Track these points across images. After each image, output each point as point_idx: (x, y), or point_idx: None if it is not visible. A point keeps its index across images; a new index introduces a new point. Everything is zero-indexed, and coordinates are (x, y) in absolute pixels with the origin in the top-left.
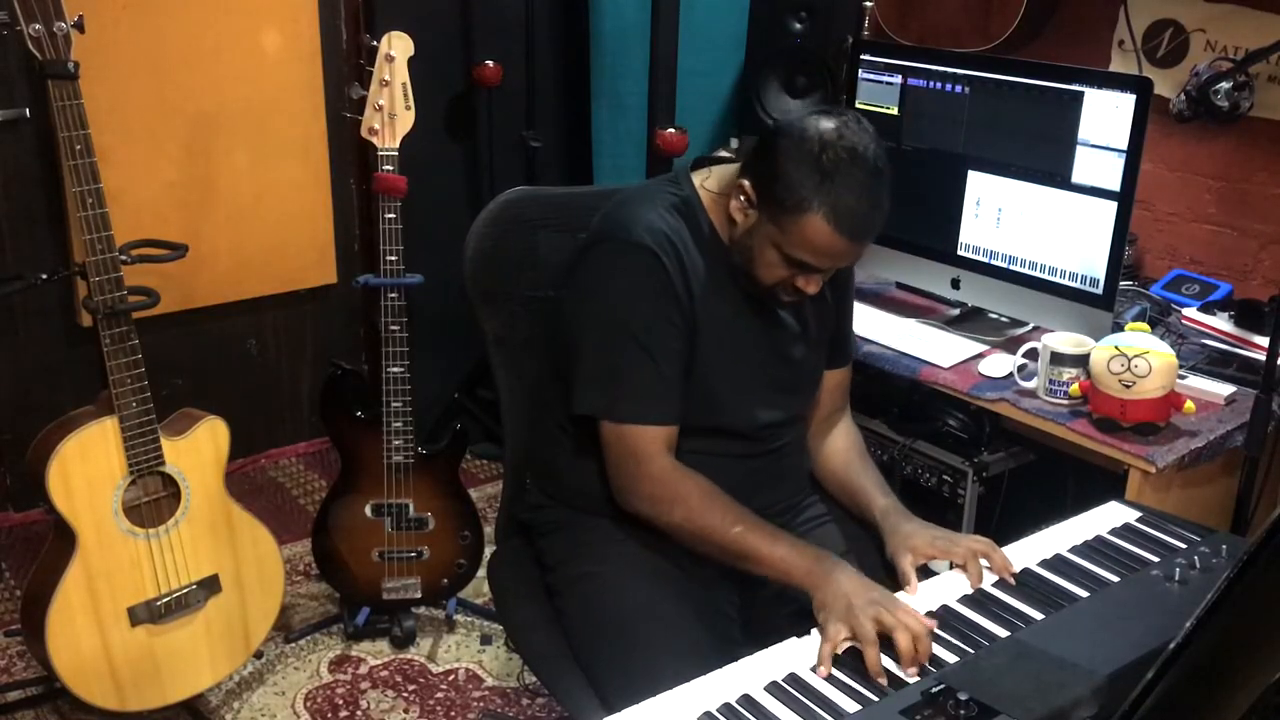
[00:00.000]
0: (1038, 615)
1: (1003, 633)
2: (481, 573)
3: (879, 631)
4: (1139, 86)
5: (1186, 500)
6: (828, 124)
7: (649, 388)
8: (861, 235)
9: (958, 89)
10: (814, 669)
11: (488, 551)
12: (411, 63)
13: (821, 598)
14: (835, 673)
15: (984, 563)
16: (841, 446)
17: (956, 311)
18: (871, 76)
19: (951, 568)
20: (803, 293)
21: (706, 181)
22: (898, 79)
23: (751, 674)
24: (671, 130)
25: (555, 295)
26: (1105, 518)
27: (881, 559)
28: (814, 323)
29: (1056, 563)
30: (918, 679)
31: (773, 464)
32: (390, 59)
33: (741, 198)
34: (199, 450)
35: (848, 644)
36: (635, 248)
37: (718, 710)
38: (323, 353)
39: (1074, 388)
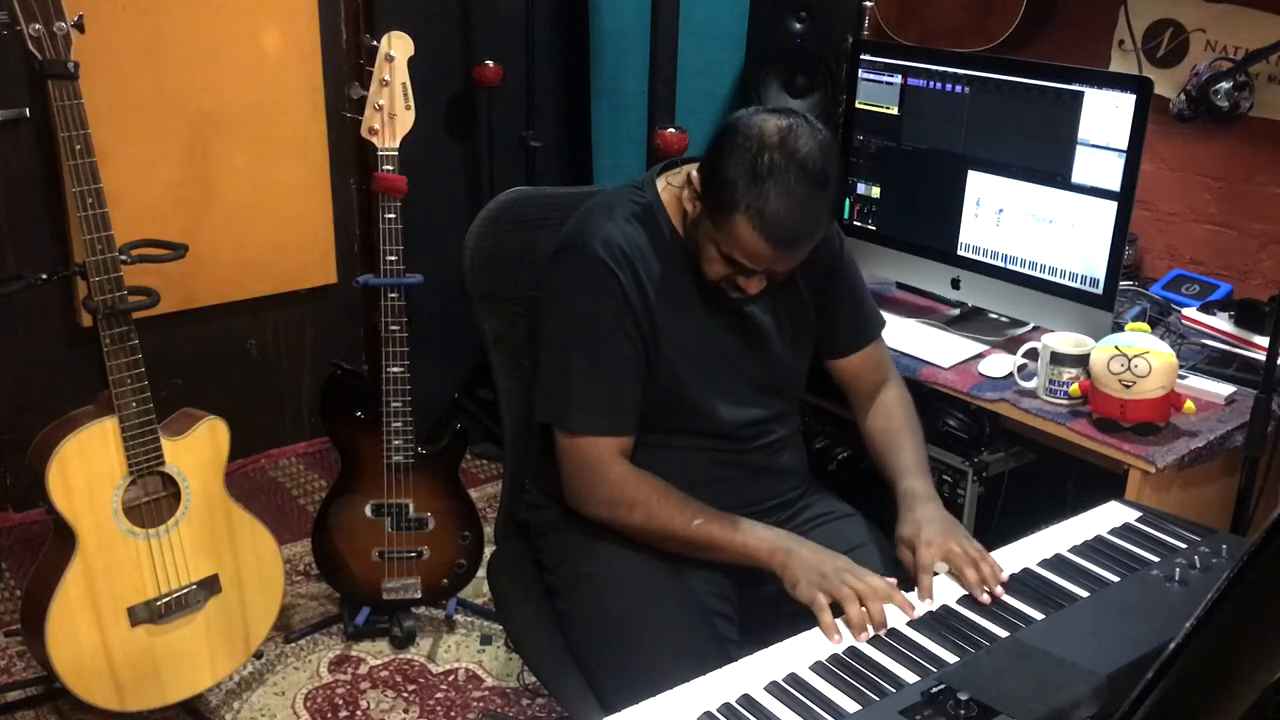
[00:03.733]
0: (1038, 615)
1: (1003, 633)
2: (481, 573)
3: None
4: (1139, 86)
5: (1186, 500)
6: (773, 126)
7: (598, 399)
8: (787, 244)
9: (958, 89)
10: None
11: (488, 551)
12: (411, 63)
13: (791, 575)
14: (835, 671)
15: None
16: (881, 425)
17: (956, 311)
18: (871, 76)
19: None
20: (745, 292)
21: (673, 179)
22: (898, 79)
23: (751, 674)
24: (671, 130)
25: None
26: (1105, 518)
27: (882, 562)
28: (790, 320)
29: (1056, 563)
30: (918, 679)
31: (763, 460)
32: (390, 59)
33: (690, 188)
34: (199, 450)
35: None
36: (588, 260)
37: (718, 710)
38: (323, 353)
39: (1074, 388)
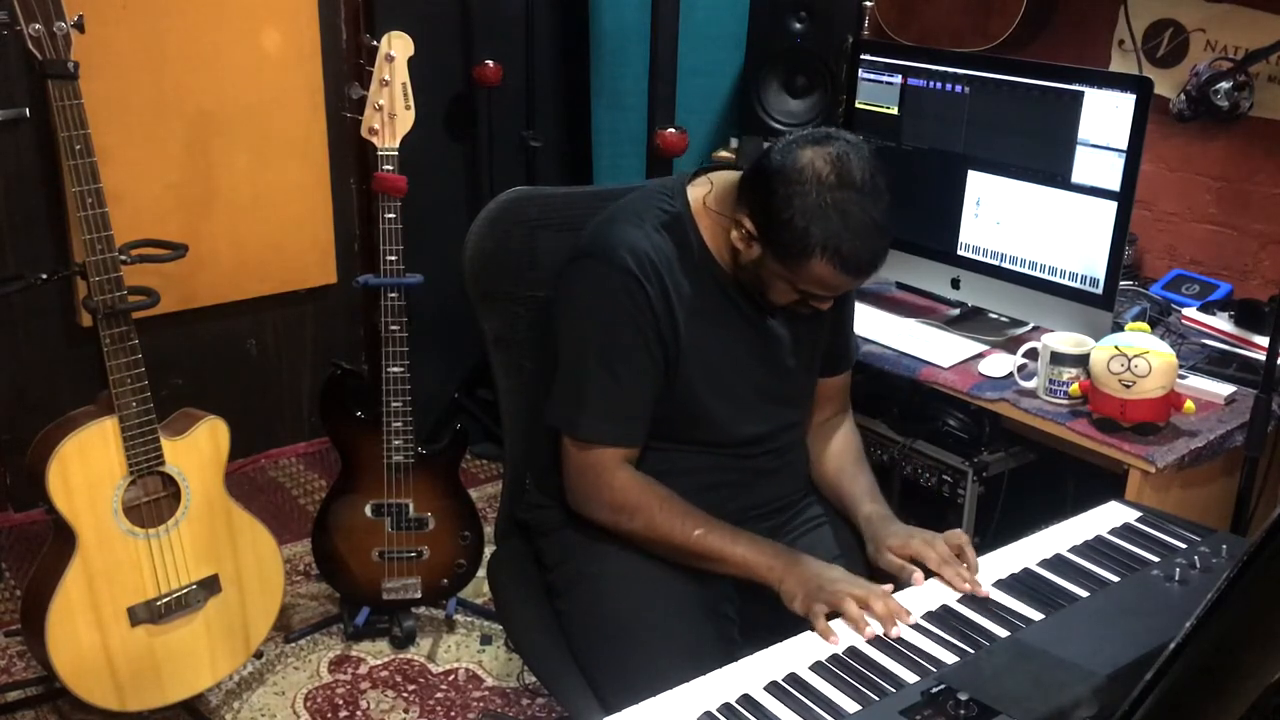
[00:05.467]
0: (1038, 615)
1: (1003, 633)
2: (481, 573)
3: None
4: (1139, 86)
5: (1186, 500)
6: (822, 162)
7: (610, 409)
8: (868, 270)
9: (958, 89)
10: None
11: (488, 551)
12: (411, 63)
13: (789, 588)
14: (835, 671)
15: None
16: (836, 451)
17: (956, 311)
18: (871, 76)
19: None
20: (817, 309)
21: (706, 197)
22: (898, 79)
23: (751, 674)
24: (671, 130)
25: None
26: (1105, 518)
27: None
28: (806, 334)
29: (1056, 563)
30: (918, 679)
31: (768, 464)
32: (390, 59)
33: (743, 231)
34: (199, 450)
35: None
36: (615, 269)
37: (718, 710)
38: (323, 353)
39: (1074, 388)
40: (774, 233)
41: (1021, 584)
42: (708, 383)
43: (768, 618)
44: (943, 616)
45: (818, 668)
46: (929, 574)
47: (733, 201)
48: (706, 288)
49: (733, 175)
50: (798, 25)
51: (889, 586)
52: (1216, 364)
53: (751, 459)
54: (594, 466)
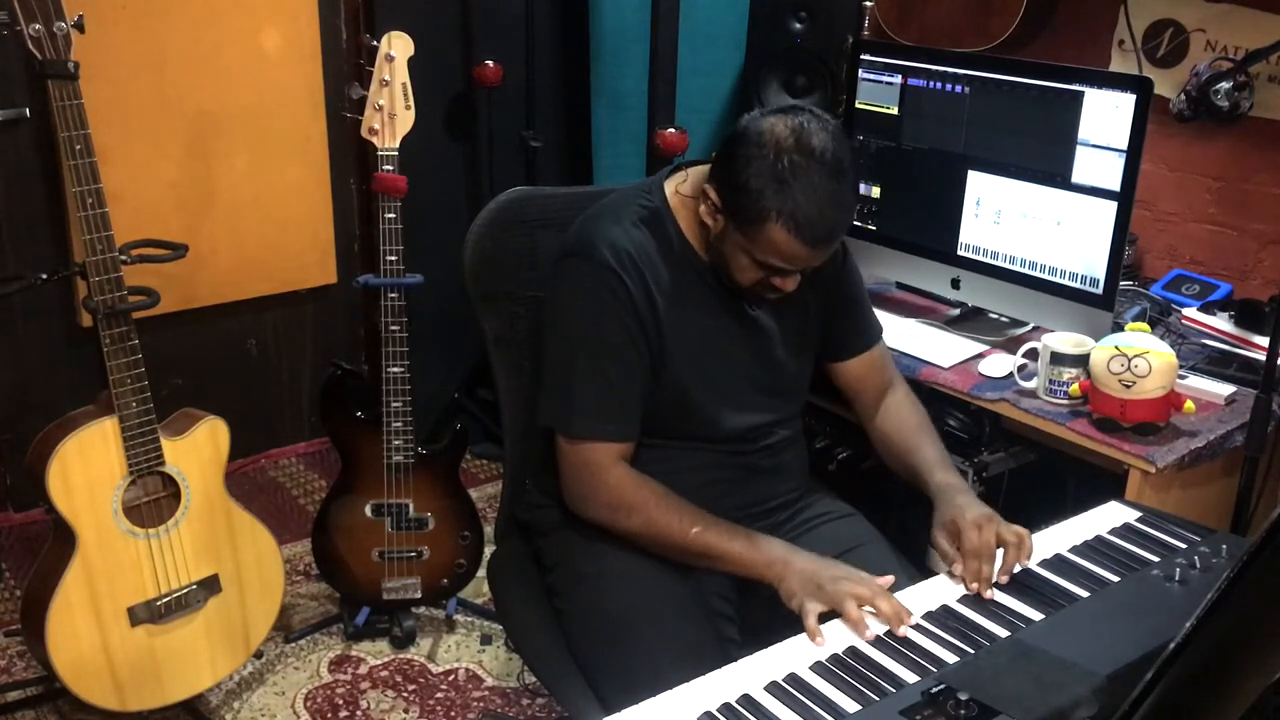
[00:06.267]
0: (1038, 615)
1: (1003, 633)
2: (481, 573)
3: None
4: (1139, 86)
5: (1186, 500)
6: (784, 127)
7: (602, 405)
8: (824, 239)
9: (958, 89)
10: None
11: (488, 551)
12: (411, 63)
13: (788, 585)
14: (835, 671)
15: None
16: (895, 428)
17: (956, 311)
18: (871, 76)
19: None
20: (782, 291)
21: (681, 186)
22: (898, 79)
23: (751, 674)
24: (671, 130)
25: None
26: (1105, 518)
27: (881, 561)
28: (793, 324)
29: (1056, 563)
30: (918, 679)
31: (764, 461)
32: (390, 59)
33: (709, 203)
34: (199, 450)
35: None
36: (596, 266)
37: (718, 710)
38: (323, 353)
39: (1074, 388)
40: (733, 198)
41: (1021, 584)
42: (694, 373)
43: (767, 617)
44: (943, 616)
45: (818, 668)
46: None
47: (704, 180)
48: (687, 278)
49: (708, 166)
50: (798, 25)
51: (889, 580)
52: (1216, 364)
53: (745, 455)
54: (589, 464)
